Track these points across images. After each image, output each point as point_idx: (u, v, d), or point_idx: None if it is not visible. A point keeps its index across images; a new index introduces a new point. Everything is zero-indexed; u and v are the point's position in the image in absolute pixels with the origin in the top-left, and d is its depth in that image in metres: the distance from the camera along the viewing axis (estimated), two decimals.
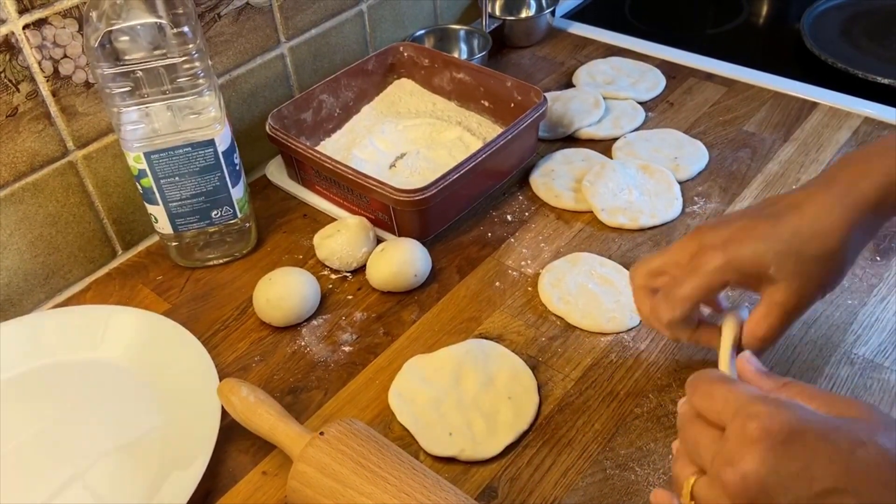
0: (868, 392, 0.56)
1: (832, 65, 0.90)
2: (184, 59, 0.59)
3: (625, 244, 0.70)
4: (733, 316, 0.50)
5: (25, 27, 0.60)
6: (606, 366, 0.59)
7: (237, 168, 0.67)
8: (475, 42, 0.96)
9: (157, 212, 0.66)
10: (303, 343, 0.63)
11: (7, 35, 0.59)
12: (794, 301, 0.47)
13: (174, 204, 0.66)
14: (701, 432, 0.38)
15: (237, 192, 0.67)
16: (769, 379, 0.40)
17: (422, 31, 0.95)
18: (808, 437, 0.33)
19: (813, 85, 0.87)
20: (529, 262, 0.69)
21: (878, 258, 0.66)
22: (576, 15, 1.07)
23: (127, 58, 0.58)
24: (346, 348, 0.62)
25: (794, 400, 0.36)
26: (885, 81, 0.86)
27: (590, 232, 0.72)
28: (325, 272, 0.69)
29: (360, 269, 0.68)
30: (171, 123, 0.62)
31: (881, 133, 0.80)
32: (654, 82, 0.90)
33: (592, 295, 0.64)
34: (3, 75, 0.60)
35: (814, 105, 0.85)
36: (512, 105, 0.79)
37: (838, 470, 0.32)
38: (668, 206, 0.72)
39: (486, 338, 0.62)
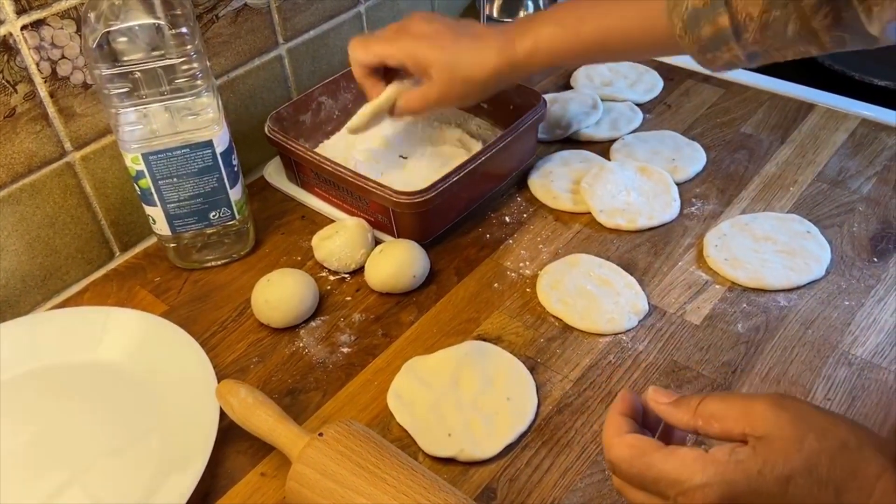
0: (866, 393, 0.56)
1: (829, 67, 0.90)
2: (182, 60, 0.59)
3: (623, 245, 0.70)
4: (399, 85, 0.67)
5: (23, 28, 0.60)
6: (605, 367, 0.59)
7: (235, 169, 0.67)
8: None
9: (155, 213, 0.66)
10: (301, 344, 0.63)
11: (5, 36, 0.59)
12: (436, 98, 0.66)
13: (172, 205, 0.66)
14: (636, 496, 0.39)
15: (235, 194, 0.67)
16: (680, 410, 0.39)
17: None
18: (742, 498, 0.34)
19: (810, 87, 0.87)
20: (528, 263, 0.69)
21: (876, 259, 0.66)
22: None
23: (125, 59, 0.58)
24: (345, 349, 0.62)
25: (719, 447, 0.36)
26: (882, 83, 0.86)
27: (588, 233, 0.72)
28: (324, 273, 0.69)
29: (359, 271, 0.68)
30: (169, 124, 0.62)
31: (878, 135, 0.80)
32: (652, 84, 0.90)
33: (591, 296, 0.64)
34: (0, 76, 0.59)
35: (811, 107, 0.85)
36: (511, 107, 0.79)
37: None
38: (665, 207, 0.72)
39: (485, 339, 0.62)
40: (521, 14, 1.04)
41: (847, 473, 0.34)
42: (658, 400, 0.41)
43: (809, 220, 0.70)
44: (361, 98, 0.84)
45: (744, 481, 0.34)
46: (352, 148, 0.80)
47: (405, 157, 0.80)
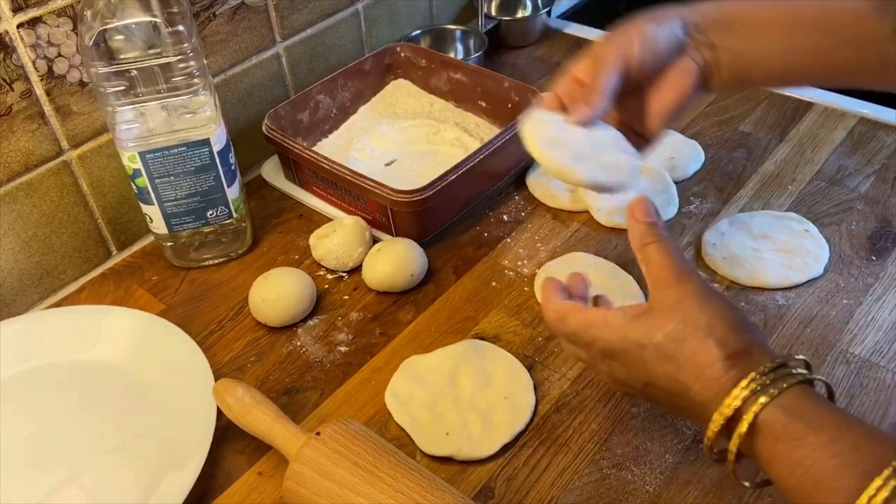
0: (864, 391, 0.56)
1: None
2: (179, 58, 0.59)
3: (621, 244, 0.70)
4: None
5: (19, 26, 0.59)
6: None
7: (232, 168, 0.67)
8: (471, 42, 0.96)
9: (152, 212, 0.66)
10: (299, 343, 0.63)
11: (1, 34, 0.58)
12: None
13: (169, 204, 0.65)
14: (568, 347, 0.50)
15: (232, 192, 0.67)
16: (641, 240, 0.47)
17: (417, 32, 0.95)
18: (618, 353, 0.45)
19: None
20: (526, 261, 0.69)
21: (874, 258, 0.66)
22: (572, 15, 1.07)
23: (121, 57, 0.58)
24: (343, 348, 0.62)
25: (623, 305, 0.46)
26: None
27: (586, 232, 0.71)
28: (321, 272, 0.69)
29: (357, 270, 0.68)
30: (165, 123, 0.61)
31: (876, 133, 0.80)
32: None
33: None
34: None
35: (809, 105, 0.85)
36: (509, 105, 0.79)
37: (641, 371, 0.44)
38: (664, 205, 0.72)
39: (483, 338, 0.62)
40: (519, 14, 1.04)
41: (687, 356, 0.42)
42: (636, 215, 0.48)
43: (808, 219, 0.70)
44: (359, 97, 0.85)
45: (619, 341, 0.45)
46: (349, 146, 0.80)
47: (403, 156, 0.80)
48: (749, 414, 0.38)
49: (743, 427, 0.38)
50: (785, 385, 0.38)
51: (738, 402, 0.39)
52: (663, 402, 0.45)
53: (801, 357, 0.40)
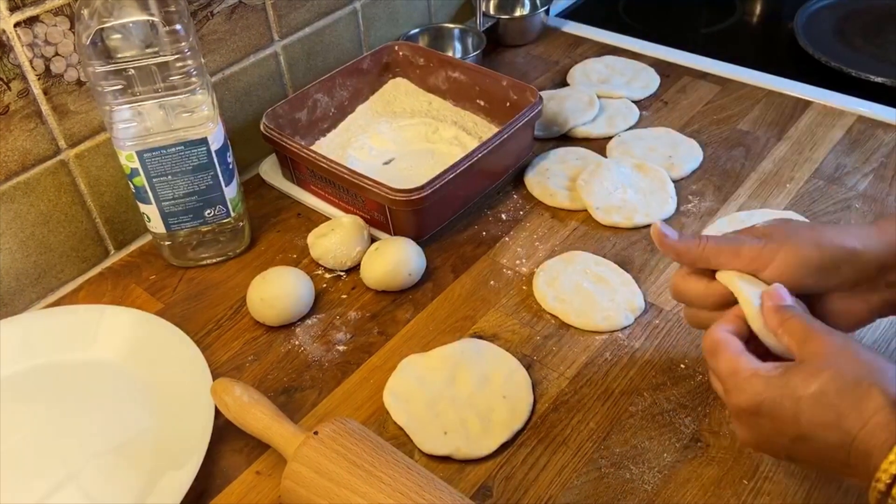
0: None
1: (826, 63, 0.90)
2: (176, 57, 0.59)
3: (619, 243, 0.70)
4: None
5: (16, 25, 0.59)
6: (601, 364, 0.59)
7: (230, 167, 0.67)
8: (469, 41, 0.95)
9: (150, 211, 0.66)
10: (297, 342, 0.63)
11: None
12: None
13: (167, 203, 0.65)
14: (712, 377, 0.48)
15: (230, 191, 0.67)
16: (777, 316, 0.45)
17: (416, 30, 0.94)
18: (765, 409, 0.42)
19: (806, 84, 0.87)
20: (524, 260, 0.69)
21: None
22: (570, 14, 1.07)
23: (119, 56, 0.58)
24: (341, 347, 0.62)
25: (762, 368, 0.43)
26: (879, 80, 0.86)
27: (584, 231, 0.71)
28: (320, 271, 0.69)
29: (355, 269, 0.68)
30: (163, 122, 0.61)
31: (874, 131, 0.80)
32: (649, 81, 0.90)
33: (587, 293, 0.63)
34: None
35: (807, 104, 0.85)
36: (507, 104, 0.79)
37: (793, 425, 0.41)
38: (662, 204, 0.72)
39: (481, 337, 0.62)
40: (518, 12, 1.04)
41: (851, 404, 0.39)
42: (774, 300, 0.46)
43: (806, 217, 0.70)
44: (357, 96, 0.85)
45: (768, 392, 0.42)
46: (348, 145, 0.80)
47: (401, 155, 0.80)
48: None
49: None
50: None
51: None
52: (811, 459, 0.43)
53: None
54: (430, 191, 0.66)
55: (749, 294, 0.46)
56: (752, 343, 0.46)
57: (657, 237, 0.51)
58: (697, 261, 0.50)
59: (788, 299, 0.46)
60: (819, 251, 0.47)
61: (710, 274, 0.50)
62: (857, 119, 0.82)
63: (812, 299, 0.48)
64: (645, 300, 0.64)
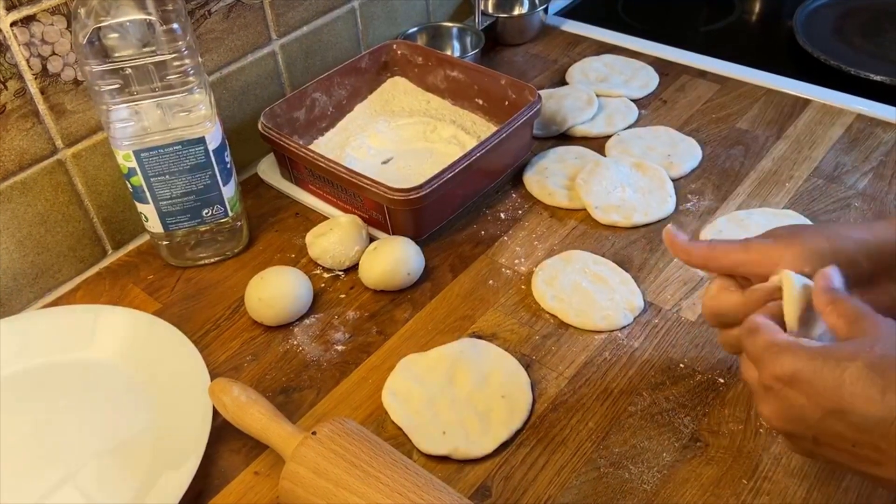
0: None
1: (825, 62, 0.90)
2: (173, 56, 0.58)
3: (618, 242, 0.70)
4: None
5: (13, 24, 0.59)
6: (600, 364, 0.59)
7: (228, 166, 0.66)
8: (468, 40, 0.95)
9: (148, 210, 0.66)
10: (295, 342, 0.63)
11: None
12: None
13: (164, 202, 0.65)
14: (744, 365, 0.46)
15: (228, 191, 0.67)
16: (827, 296, 0.44)
17: (414, 29, 0.94)
18: (804, 375, 0.40)
19: (805, 82, 0.87)
20: (523, 260, 0.69)
21: None
22: (569, 12, 1.07)
23: (116, 55, 0.57)
24: (339, 347, 0.62)
25: (803, 340, 0.42)
26: (878, 78, 0.86)
27: (583, 230, 0.71)
28: (318, 271, 0.69)
29: (353, 268, 0.68)
30: (160, 121, 0.61)
31: (874, 130, 0.80)
32: (647, 80, 0.90)
33: (586, 293, 0.63)
34: None
35: (806, 102, 0.85)
36: (506, 103, 0.79)
37: (831, 395, 0.39)
38: (661, 203, 0.72)
39: (480, 336, 0.62)
40: (516, 11, 1.04)
41: None
42: (823, 283, 0.44)
43: (805, 216, 0.70)
44: (355, 95, 0.84)
45: (809, 362, 0.40)
46: (346, 145, 0.80)
47: (400, 154, 0.80)
48: None
49: None
50: None
51: None
52: (837, 442, 0.40)
53: None
54: (428, 190, 0.66)
55: (794, 278, 0.45)
56: None
57: (668, 239, 0.51)
58: (708, 261, 0.50)
59: (838, 282, 0.44)
60: (830, 243, 0.47)
61: (744, 286, 0.49)
62: (856, 117, 0.82)
63: None
64: (644, 299, 0.63)
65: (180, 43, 0.58)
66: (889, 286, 0.47)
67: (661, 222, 0.71)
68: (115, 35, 0.57)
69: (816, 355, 0.40)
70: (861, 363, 0.39)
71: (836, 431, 0.40)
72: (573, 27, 1.02)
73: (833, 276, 0.44)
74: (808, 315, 0.45)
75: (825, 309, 0.43)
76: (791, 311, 0.45)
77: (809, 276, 0.45)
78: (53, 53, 0.62)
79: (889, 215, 0.70)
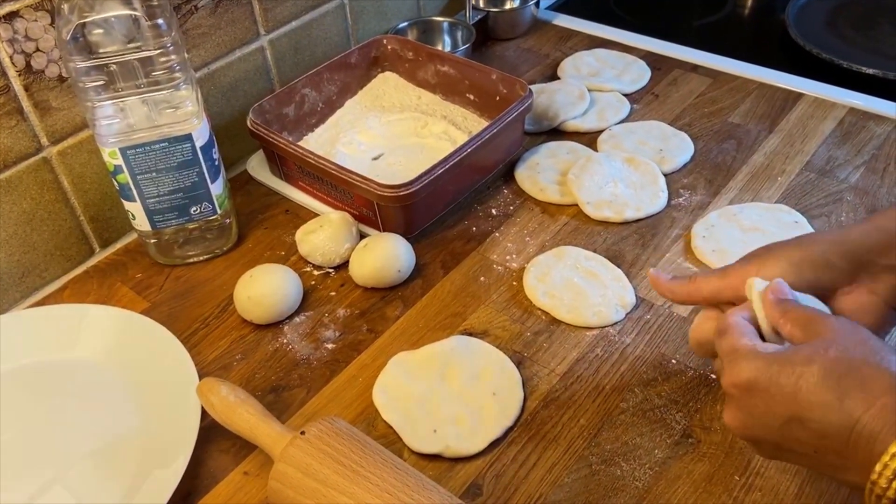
0: None
1: (817, 55, 0.89)
2: (159, 51, 0.58)
3: (610, 237, 0.69)
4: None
5: None
6: (592, 360, 0.59)
7: (216, 163, 0.66)
8: (459, 34, 0.95)
9: (135, 208, 0.65)
10: (285, 341, 0.62)
11: None
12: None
13: (152, 200, 0.64)
14: (717, 363, 0.47)
15: (216, 188, 0.66)
16: (778, 308, 0.44)
17: (404, 24, 0.94)
18: (761, 384, 0.40)
19: (798, 76, 0.87)
20: (514, 256, 0.68)
21: None
22: (560, 6, 1.07)
23: (101, 51, 0.57)
24: (329, 345, 0.62)
25: (763, 346, 0.42)
26: (870, 71, 0.86)
27: (575, 225, 0.71)
28: (308, 268, 0.68)
29: (343, 266, 0.68)
30: (147, 118, 0.60)
31: (866, 123, 0.80)
32: (639, 74, 0.89)
33: (578, 289, 0.63)
34: None
35: (799, 96, 0.84)
36: (497, 98, 0.78)
37: (790, 403, 0.39)
38: (653, 198, 0.72)
39: (471, 333, 0.61)
40: (508, 5, 1.03)
41: (856, 384, 0.37)
42: (775, 293, 0.44)
43: (797, 210, 0.69)
44: (345, 90, 0.84)
45: (765, 369, 0.40)
46: (336, 141, 0.79)
47: (390, 150, 0.79)
48: None
49: None
50: None
51: None
52: (801, 448, 0.40)
53: None
54: (419, 186, 0.65)
55: (757, 284, 0.45)
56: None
57: (654, 283, 0.52)
58: (693, 293, 0.50)
59: (790, 294, 0.44)
60: (803, 250, 0.47)
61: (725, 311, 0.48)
62: (848, 111, 0.82)
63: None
64: (636, 295, 0.63)
65: (166, 39, 0.58)
66: (869, 284, 0.47)
67: (653, 217, 0.71)
68: (100, 31, 0.56)
69: (773, 362, 0.40)
70: (817, 368, 0.38)
71: (796, 437, 0.39)
72: (565, 21, 1.01)
73: (782, 287, 0.44)
74: None
75: (779, 321, 0.43)
76: (762, 318, 0.45)
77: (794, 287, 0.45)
78: (37, 50, 0.61)
79: (880, 209, 0.70)
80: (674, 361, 0.58)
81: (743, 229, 0.67)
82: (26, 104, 0.62)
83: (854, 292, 0.47)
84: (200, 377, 0.56)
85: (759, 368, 0.40)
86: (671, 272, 0.65)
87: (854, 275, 0.47)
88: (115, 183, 0.63)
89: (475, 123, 0.80)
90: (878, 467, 0.35)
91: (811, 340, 0.40)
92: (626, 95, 0.86)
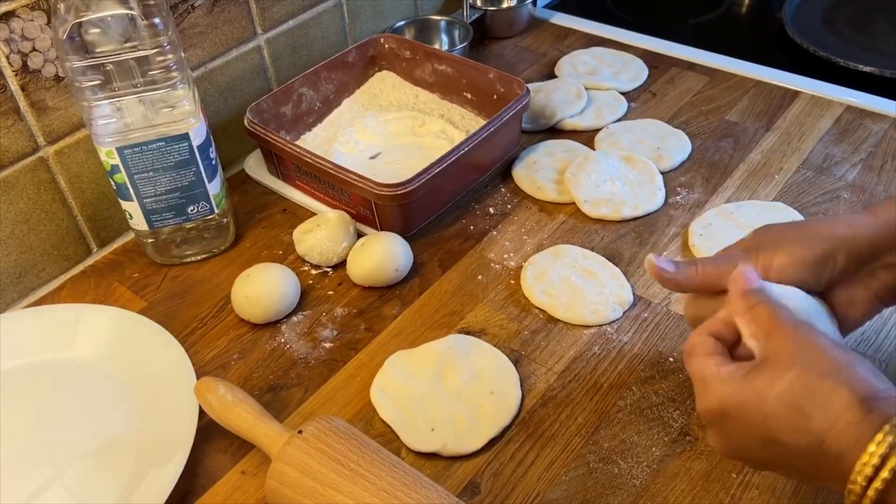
0: None
1: (814, 53, 0.90)
2: (155, 51, 0.58)
3: (608, 236, 0.69)
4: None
5: None
6: (590, 358, 0.59)
7: (213, 162, 0.66)
8: (456, 33, 0.95)
9: (132, 208, 0.65)
10: (282, 340, 0.62)
11: None
12: None
13: (149, 200, 0.64)
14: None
15: (214, 187, 0.66)
16: (743, 301, 0.43)
17: (402, 22, 0.93)
18: (732, 412, 0.40)
19: (795, 74, 0.87)
20: (512, 254, 0.68)
21: None
22: (557, 5, 1.07)
23: (97, 50, 0.57)
24: (327, 344, 0.62)
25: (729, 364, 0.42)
26: (867, 69, 0.86)
27: (572, 224, 0.71)
28: (305, 268, 0.68)
29: (341, 265, 0.67)
30: (143, 117, 0.60)
31: (863, 121, 0.80)
32: (637, 72, 0.89)
33: (575, 287, 0.63)
34: None
35: (796, 94, 0.85)
36: (495, 97, 0.78)
37: (761, 428, 0.39)
38: (650, 196, 0.72)
39: (469, 332, 0.61)
40: (505, 4, 1.03)
41: (817, 403, 0.38)
42: (739, 284, 0.44)
43: (794, 208, 0.69)
44: (343, 89, 0.84)
45: (733, 395, 0.40)
46: (333, 140, 0.79)
47: (388, 149, 0.79)
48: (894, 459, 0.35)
49: (885, 473, 0.35)
50: None
51: (884, 449, 0.35)
52: (785, 465, 0.40)
53: None
54: (416, 185, 0.65)
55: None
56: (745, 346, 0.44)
57: (654, 273, 0.49)
58: (701, 286, 0.49)
59: (756, 283, 0.44)
60: (811, 248, 0.46)
61: (718, 294, 0.47)
62: (845, 109, 0.82)
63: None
64: (633, 293, 0.63)
65: (162, 38, 0.58)
66: (865, 279, 0.47)
67: (651, 215, 0.71)
68: (96, 30, 0.56)
69: (739, 390, 0.40)
70: (779, 391, 0.38)
71: (777, 454, 0.40)
72: (562, 20, 1.01)
73: (749, 276, 0.44)
74: None
75: (743, 316, 0.43)
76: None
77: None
78: (34, 49, 0.61)
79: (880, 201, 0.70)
80: (671, 359, 0.58)
81: (740, 227, 0.67)
82: (23, 104, 0.62)
83: (848, 286, 0.47)
84: (198, 376, 0.56)
85: (726, 396, 0.41)
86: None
87: (854, 272, 0.47)
88: (112, 182, 0.63)
89: (472, 122, 0.80)
90: (849, 486, 0.36)
91: (772, 358, 0.40)
92: (623, 94, 0.86)
